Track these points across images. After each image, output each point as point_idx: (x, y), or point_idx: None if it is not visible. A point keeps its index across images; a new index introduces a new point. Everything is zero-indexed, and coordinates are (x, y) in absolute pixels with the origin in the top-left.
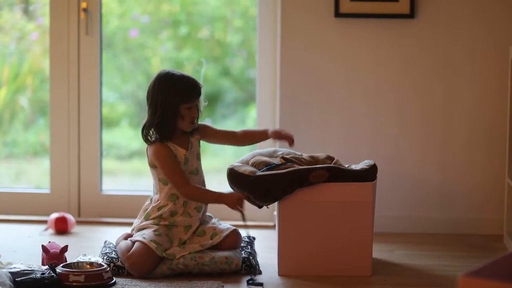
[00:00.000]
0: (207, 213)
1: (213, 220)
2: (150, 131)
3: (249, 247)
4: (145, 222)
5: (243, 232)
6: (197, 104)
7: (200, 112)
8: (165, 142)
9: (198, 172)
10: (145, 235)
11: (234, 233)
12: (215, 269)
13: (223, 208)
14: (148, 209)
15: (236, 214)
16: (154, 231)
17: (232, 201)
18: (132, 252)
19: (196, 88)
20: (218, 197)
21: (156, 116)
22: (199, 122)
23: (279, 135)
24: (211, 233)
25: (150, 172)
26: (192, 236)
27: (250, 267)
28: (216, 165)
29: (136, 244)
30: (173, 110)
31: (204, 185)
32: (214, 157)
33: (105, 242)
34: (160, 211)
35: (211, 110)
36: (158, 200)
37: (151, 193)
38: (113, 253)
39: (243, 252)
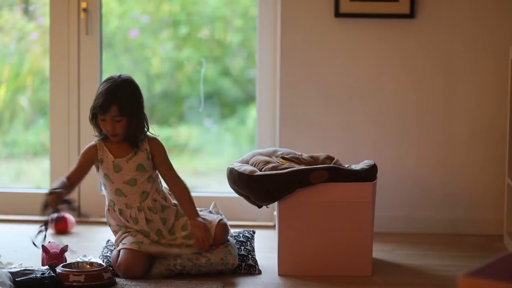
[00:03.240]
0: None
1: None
2: None
3: (248, 243)
4: (118, 235)
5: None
6: (117, 120)
7: (118, 128)
8: (100, 142)
9: (135, 183)
10: (125, 240)
11: (219, 227)
12: (212, 269)
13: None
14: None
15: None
16: (131, 234)
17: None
18: (119, 261)
19: (106, 103)
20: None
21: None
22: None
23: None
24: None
25: None
26: (176, 235)
27: (250, 266)
28: (216, 165)
29: (121, 252)
30: (95, 118)
31: (144, 198)
32: (214, 157)
33: (108, 241)
34: (110, 220)
35: (211, 110)
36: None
37: None
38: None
39: (242, 248)
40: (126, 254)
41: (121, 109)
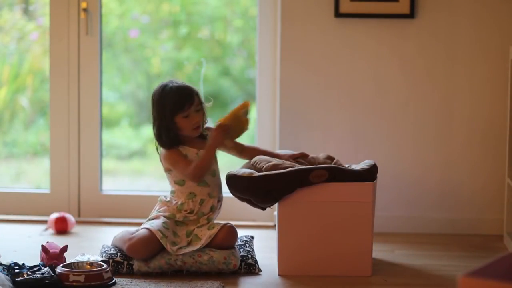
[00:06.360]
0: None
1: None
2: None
3: (247, 245)
4: (158, 214)
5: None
6: (198, 109)
7: (205, 115)
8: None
9: (215, 174)
10: (154, 224)
11: (229, 228)
12: (213, 268)
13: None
14: (171, 211)
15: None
16: (163, 222)
17: (217, 133)
18: (135, 235)
19: (185, 96)
20: (210, 146)
21: (156, 128)
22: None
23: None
24: (208, 225)
25: (166, 176)
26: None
27: (250, 265)
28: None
29: (142, 230)
30: (169, 122)
31: (221, 190)
32: None
33: (103, 246)
34: (182, 212)
35: (211, 110)
36: (176, 201)
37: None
38: (112, 249)
39: (241, 250)
40: (146, 234)
41: (199, 97)
